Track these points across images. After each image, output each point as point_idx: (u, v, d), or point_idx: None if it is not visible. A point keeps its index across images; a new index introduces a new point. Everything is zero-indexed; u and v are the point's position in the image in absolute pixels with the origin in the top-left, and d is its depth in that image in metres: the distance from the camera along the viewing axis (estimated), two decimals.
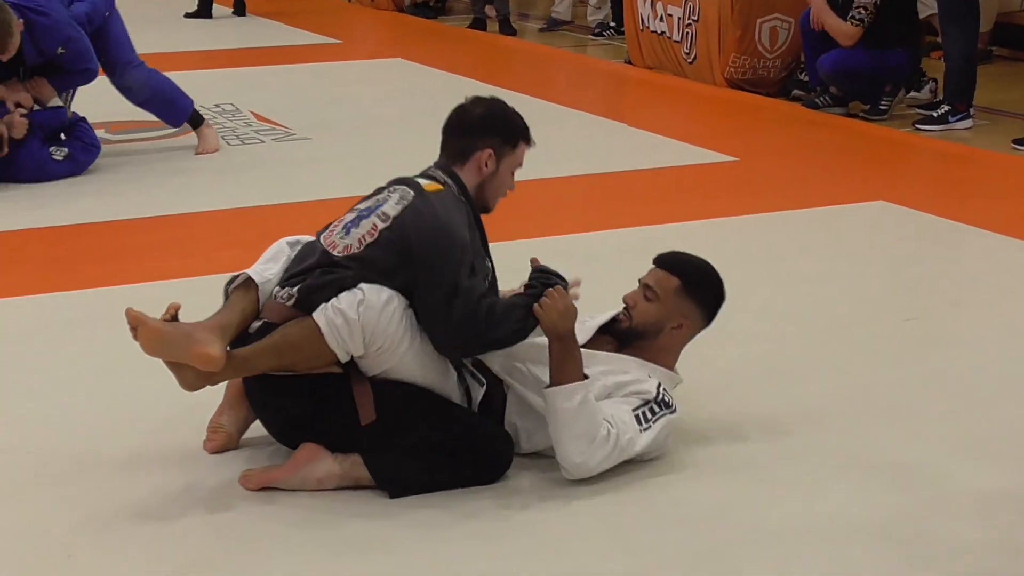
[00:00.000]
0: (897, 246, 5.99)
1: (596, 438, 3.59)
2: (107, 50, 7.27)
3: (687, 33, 10.05)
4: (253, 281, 3.69)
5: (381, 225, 3.67)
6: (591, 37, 12.51)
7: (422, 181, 3.79)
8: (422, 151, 7.91)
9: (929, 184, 7.27)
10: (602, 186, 7.06)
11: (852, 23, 8.48)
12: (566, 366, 3.63)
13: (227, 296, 3.73)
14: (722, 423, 4.07)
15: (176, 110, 7.60)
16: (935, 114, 8.44)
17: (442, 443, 3.62)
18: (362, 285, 3.54)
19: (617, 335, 3.90)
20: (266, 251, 3.85)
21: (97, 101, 7.65)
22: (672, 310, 3.85)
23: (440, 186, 3.78)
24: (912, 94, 9.04)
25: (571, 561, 3.32)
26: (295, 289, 3.63)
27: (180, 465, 3.77)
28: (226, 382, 3.77)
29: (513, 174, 3.92)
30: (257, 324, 3.66)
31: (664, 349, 3.87)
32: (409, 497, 3.59)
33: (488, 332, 3.62)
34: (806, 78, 9.35)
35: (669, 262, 3.91)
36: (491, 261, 3.84)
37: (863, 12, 8.44)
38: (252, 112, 8.77)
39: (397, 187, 3.79)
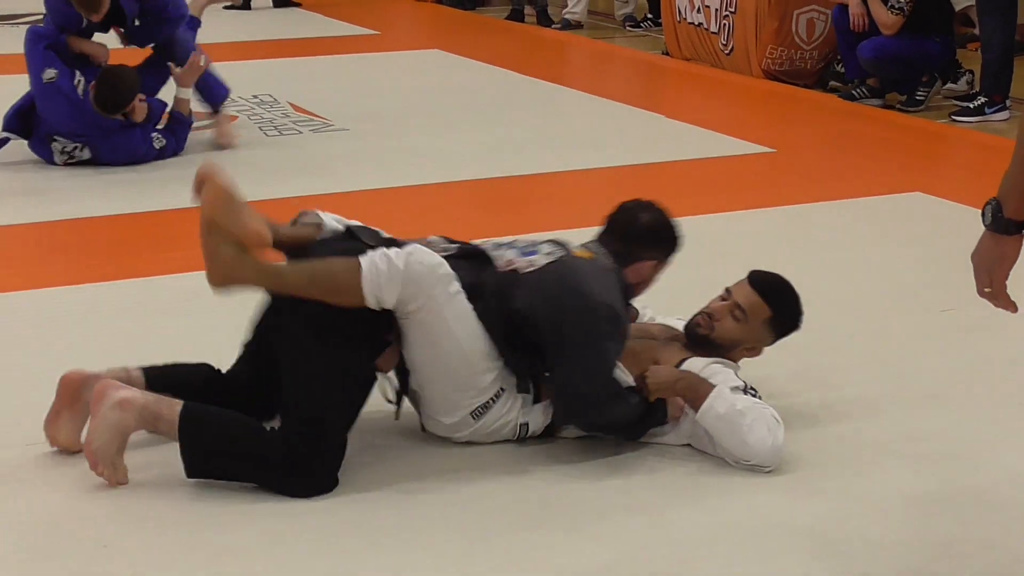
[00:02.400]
0: (933, 237, 5.98)
1: (767, 419, 3.66)
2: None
3: (724, 24, 10.05)
4: (322, 222, 3.75)
5: (527, 268, 3.74)
6: (628, 28, 12.50)
7: (574, 247, 3.86)
8: (459, 141, 7.97)
9: (965, 175, 7.26)
10: (639, 177, 7.07)
11: (892, 12, 8.47)
12: (698, 391, 3.71)
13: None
14: None
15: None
16: (971, 106, 8.42)
17: (253, 433, 3.58)
18: (416, 246, 3.58)
19: (691, 337, 3.96)
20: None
21: None
22: (753, 336, 3.94)
23: (590, 254, 3.83)
24: (949, 85, 9.02)
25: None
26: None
27: None
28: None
29: None
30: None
31: (728, 359, 3.94)
32: (426, 489, 3.61)
33: (605, 414, 3.70)
34: (843, 69, 9.34)
35: (766, 288, 3.97)
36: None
37: (902, 1, 8.43)
38: (290, 103, 8.81)
39: (548, 244, 3.85)
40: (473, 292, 3.64)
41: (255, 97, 8.95)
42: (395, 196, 6.58)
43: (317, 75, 10.04)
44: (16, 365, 4.49)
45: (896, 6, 8.47)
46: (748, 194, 6.73)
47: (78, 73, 6.90)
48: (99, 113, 6.86)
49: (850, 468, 3.75)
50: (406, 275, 3.49)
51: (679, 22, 10.60)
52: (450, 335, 3.61)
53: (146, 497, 3.56)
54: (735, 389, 3.75)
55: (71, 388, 3.76)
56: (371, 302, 3.50)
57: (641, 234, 3.91)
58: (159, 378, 3.76)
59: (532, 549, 3.34)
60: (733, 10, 9.91)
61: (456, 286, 3.59)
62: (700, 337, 3.94)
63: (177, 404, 3.56)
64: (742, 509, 3.52)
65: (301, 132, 8.01)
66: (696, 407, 3.71)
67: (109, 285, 5.29)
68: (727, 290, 3.98)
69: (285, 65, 10.44)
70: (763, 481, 3.67)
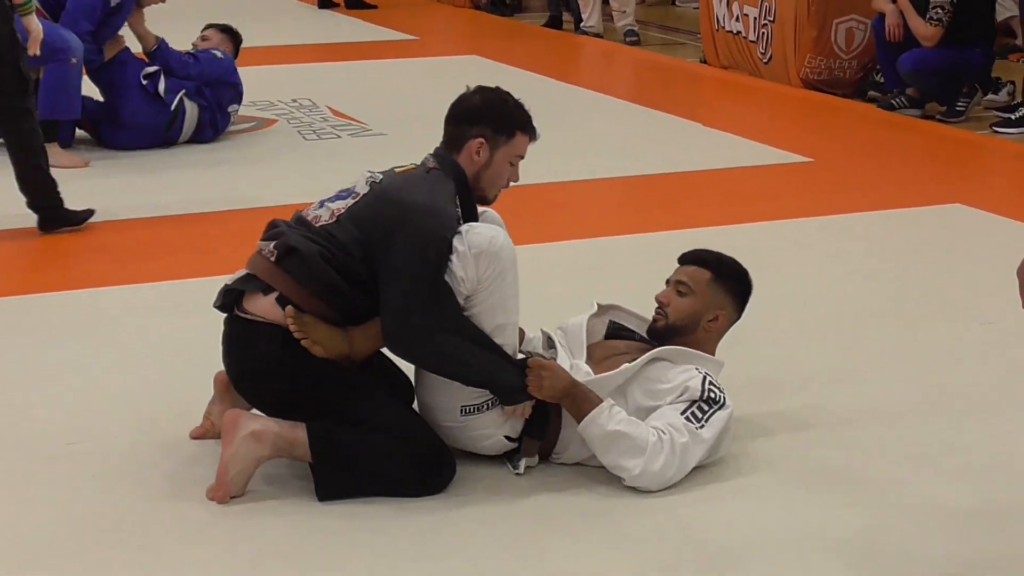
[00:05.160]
0: (973, 249, 5.95)
1: (647, 445, 3.57)
2: None
3: (763, 33, 10.03)
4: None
5: (350, 202, 3.70)
6: (628, 41, 12.20)
7: (399, 168, 3.83)
8: None
9: (1006, 187, 7.22)
10: (676, 185, 7.07)
11: (931, 24, 8.43)
12: (582, 405, 3.62)
13: None
14: (787, 422, 4.09)
15: None
16: (1013, 116, 8.37)
17: (383, 435, 3.58)
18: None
19: (655, 335, 3.89)
20: None
21: None
22: (707, 302, 3.86)
23: (411, 167, 3.80)
24: (990, 96, 8.97)
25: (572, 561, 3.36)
26: (273, 245, 3.67)
27: None
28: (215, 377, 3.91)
29: (515, 165, 3.88)
30: (241, 273, 3.70)
31: (702, 343, 3.87)
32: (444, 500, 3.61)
33: (430, 347, 3.58)
34: (882, 79, 9.30)
35: (697, 258, 3.94)
36: None
37: (940, 12, 8.39)
38: (329, 107, 8.84)
39: (371, 171, 3.83)
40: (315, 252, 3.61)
41: (294, 101, 8.98)
42: None
43: (356, 80, 10.06)
44: (59, 365, 4.52)
45: (935, 17, 8.43)
46: (785, 203, 6.71)
47: None
48: None
49: (887, 479, 3.73)
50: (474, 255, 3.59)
51: (717, 30, 10.59)
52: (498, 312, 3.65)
53: (187, 502, 3.57)
54: (684, 402, 3.65)
55: (223, 382, 3.88)
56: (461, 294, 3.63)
57: (466, 112, 3.84)
58: None
59: (564, 558, 3.34)
60: (772, 19, 9.88)
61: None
62: (661, 330, 3.87)
63: (303, 426, 3.59)
64: (777, 519, 3.51)
65: (339, 136, 8.03)
66: (577, 417, 3.63)
67: (155, 285, 5.33)
68: (667, 282, 3.93)
69: (324, 69, 10.48)
70: (799, 491, 3.66)
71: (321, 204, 3.77)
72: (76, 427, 4.01)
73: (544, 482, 3.70)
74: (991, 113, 8.72)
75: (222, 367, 3.83)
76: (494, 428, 3.73)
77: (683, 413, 3.65)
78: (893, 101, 8.90)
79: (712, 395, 3.70)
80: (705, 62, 10.88)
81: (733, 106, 9.59)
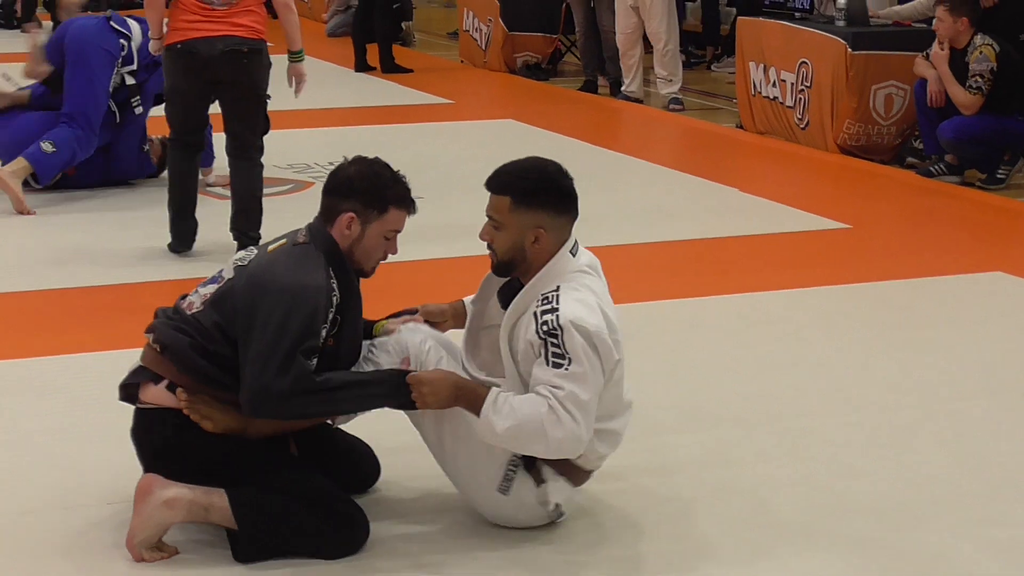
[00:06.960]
0: (1015, 317, 5.88)
1: (543, 420, 3.44)
2: None
3: (800, 99, 10.00)
4: None
5: (214, 288, 3.72)
6: (672, 108, 12.15)
7: (272, 244, 3.80)
8: None
9: None
10: (713, 251, 7.02)
11: (971, 92, 8.38)
12: (475, 404, 3.55)
13: None
14: (823, 493, 4.03)
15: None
16: None
17: (297, 499, 3.58)
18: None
19: (497, 274, 3.76)
20: None
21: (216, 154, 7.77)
22: (519, 228, 3.63)
23: (282, 242, 3.77)
24: None
25: None
26: (153, 338, 3.72)
27: None
28: None
29: (391, 239, 3.84)
30: (135, 366, 3.75)
31: (539, 265, 3.64)
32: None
33: (288, 410, 3.58)
34: (921, 145, 9.24)
35: (495, 182, 3.69)
36: (351, 322, 3.74)
37: (980, 80, 8.34)
38: None
39: (248, 249, 3.84)
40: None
41: (331, 164, 8.93)
42: (465, 266, 6.54)
43: (392, 143, 10.03)
44: (89, 424, 4.49)
45: (974, 86, 8.38)
46: (824, 270, 6.65)
47: None
48: None
49: (927, 552, 3.67)
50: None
51: (754, 96, 10.57)
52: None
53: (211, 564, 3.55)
54: (533, 351, 3.51)
55: None
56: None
57: (338, 185, 3.78)
58: None
59: None
60: (809, 85, 9.86)
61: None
62: (497, 267, 3.71)
63: (221, 492, 3.60)
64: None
65: None
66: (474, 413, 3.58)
67: None
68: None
69: (360, 133, 10.49)
70: (837, 562, 3.59)
71: (196, 290, 3.80)
72: (108, 488, 3.97)
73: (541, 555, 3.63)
74: None
75: None
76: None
77: (547, 364, 3.48)
78: (932, 168, 8.83)
79: (547, 327, 3.50)
80: (742, 127, 10.85)
81: (770, 172, 9.55)
